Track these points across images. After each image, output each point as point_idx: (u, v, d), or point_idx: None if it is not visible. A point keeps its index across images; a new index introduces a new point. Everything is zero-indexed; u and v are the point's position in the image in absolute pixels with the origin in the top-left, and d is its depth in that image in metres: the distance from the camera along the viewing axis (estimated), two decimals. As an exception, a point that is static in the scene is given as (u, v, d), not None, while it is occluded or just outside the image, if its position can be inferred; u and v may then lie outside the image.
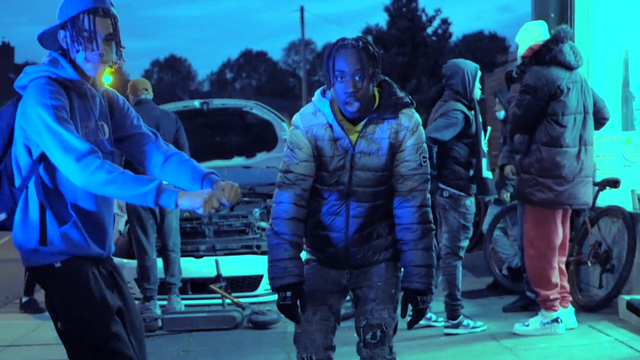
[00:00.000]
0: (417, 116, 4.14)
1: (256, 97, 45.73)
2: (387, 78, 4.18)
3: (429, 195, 4.19)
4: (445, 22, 38.70)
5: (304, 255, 4.32)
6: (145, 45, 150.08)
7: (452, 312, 7.44)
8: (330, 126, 4.08)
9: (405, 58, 35.98)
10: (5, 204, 3.71)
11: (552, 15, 8.93)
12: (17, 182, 3.66)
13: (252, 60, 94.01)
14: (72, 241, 3.65)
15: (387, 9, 37.44)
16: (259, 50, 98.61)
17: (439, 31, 38.50)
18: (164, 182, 3.49)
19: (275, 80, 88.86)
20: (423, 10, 37.78)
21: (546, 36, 7.31)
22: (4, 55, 69.30)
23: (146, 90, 9.04)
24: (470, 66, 7.46)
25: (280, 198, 4.13)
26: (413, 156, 4.09)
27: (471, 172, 7.45)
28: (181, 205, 3.44)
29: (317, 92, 4.17)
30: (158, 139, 3.94)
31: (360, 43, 4.00)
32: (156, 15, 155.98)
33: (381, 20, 59.53)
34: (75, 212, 3.65)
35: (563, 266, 7.42)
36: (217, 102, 11.12)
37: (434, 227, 4.20)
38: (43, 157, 3.58)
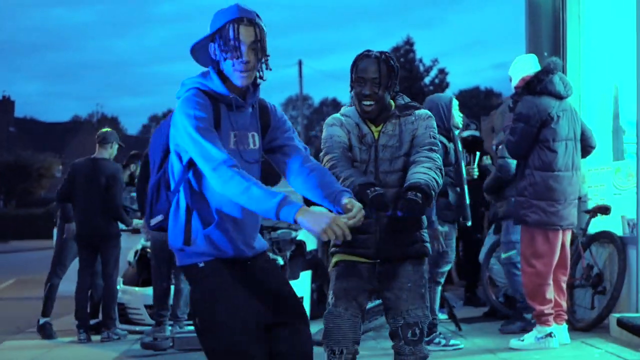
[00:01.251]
0: (426, 111, 4.85)
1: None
2: (399, 92, 4.89)
3: (439, 163, 4.72)
4: (442, 72, 39.37)
5: (333, 260, 4.83)
6: (143, 101, 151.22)
7: (428, 329, 7.75)
8: (358, 125, 4.78)
9: (403, 107, 36.50)
10: (163, 207, 3.89)
11: (545, 53, 9.40)
12: (172, 186, 3.85)
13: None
14: (214, 243, 3.79)
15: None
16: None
17: (436, 81, 39.20)
18: (292, 197, 3.61)
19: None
20: (420, 61, 38.50)
21: (537, 68, 7.82)
22: (5, 109, 69.84)
23: None
24: (443, 98, 7.91)
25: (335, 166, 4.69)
26: (423, 131, 4.72)
27: (450, 199, 7.80)
28: (300, 222, 3.53)
29: (345, 107, 4.97)
30: (307, 152, 4.05)
31: (383, 56, 4.69)
32: (153, 71, 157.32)
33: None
34: (218, 215, 3.78)
35: (564, 285, 7.79)
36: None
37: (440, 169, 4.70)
38: (191, 164, 3.75)
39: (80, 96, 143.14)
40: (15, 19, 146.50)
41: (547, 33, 9.72)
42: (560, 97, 7.55)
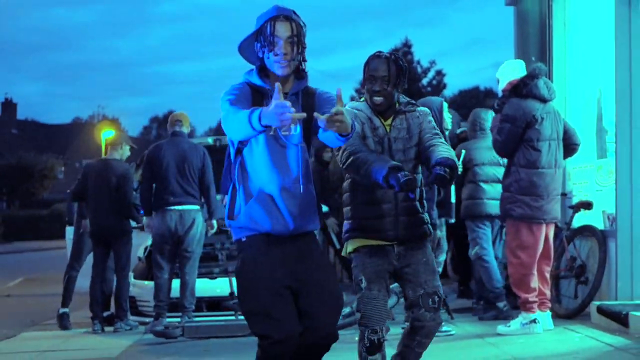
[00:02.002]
0: (426, 109, 5.39)
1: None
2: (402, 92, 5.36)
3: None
4: (439, 73, 39.67)
5: (351, 246, 5.22)
6: (144, 101, 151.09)
7: None
8: (371, 118, 5.18)
9: (401, 108, 36.84)
10: (225, 188, 4.48)
11: (533, 58, 9.93)
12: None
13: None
14: (253, 218, 4.26)
15: (383, 61, 38.45)
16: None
17: (434, 82, 39.51)
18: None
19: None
20: (418, 62, 38.79)
21: (524, 72, 8.38)
22: (7, 111, 70.25)
23: (180, 122, 9.84)
24: (435, 102, 8.31)
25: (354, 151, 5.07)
26: (427, 125, 5.25)
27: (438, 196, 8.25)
28: (265, 124, 3.86)
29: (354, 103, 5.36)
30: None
31: (392, 56, 5.15)
32: (154, 72, 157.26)
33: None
34: (258, 192, 4.26)
35: (548, 275, 8.31)
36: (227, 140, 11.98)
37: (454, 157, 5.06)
38: (241, 144, 4.30)
39: (81, 97, 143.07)
40: (15, 19, 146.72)
41: (535, 39, 10.29)
42: (544, 100, 8.08)
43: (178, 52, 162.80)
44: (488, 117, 9.60)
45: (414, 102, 5.38)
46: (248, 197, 4.28)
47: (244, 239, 4.33)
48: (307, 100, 4.44)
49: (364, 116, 5.16)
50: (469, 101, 48.56)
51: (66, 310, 10.30)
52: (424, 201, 5.30)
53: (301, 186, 4.32)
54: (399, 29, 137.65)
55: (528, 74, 8.25)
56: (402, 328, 5.35)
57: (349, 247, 5.21)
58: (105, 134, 47.49)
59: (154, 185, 9.63)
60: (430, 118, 5.31)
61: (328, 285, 4.40)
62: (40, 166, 54.66)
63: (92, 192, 10.10)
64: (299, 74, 4.42)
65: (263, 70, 4.37)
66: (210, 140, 11.87)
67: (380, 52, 5.19)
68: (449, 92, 45.02)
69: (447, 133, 8.39)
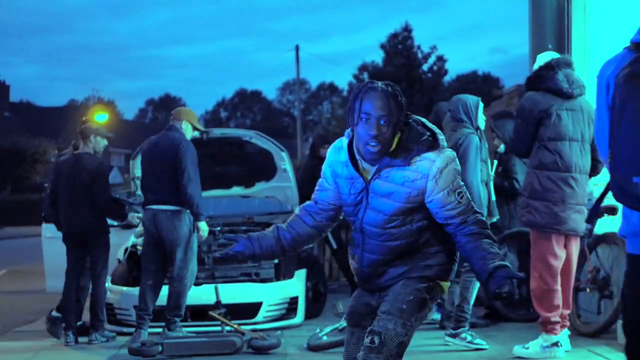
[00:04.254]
0: (442, 158, 4.13)
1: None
2: (412, 119, 4.21)
3: (482, 218, 4.22)
4: (440, 59, 39.11)
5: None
6: (140, 84, 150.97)
7: (457, 322, 7.85)
8: (348, 165, 4.25)
9: (401, 94, 36.18)
10: None
11: (550, 46, 9.10)
12: None
13: (246, 100, 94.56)
14: None
15: (382, 46, 37.84)
16: (253, 90, 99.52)
17: (435, 68, 38.90)
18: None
19: (269, 120, 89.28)
20: (419, 48, 38.22)
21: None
22: (0, 93, 69.45)
23: (172, 116, 9.26)
24: (471, 97, 7.88)
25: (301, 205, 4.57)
26: (449, 199, 4.12)
27: (482, 195, 7.78)
28: None
29: (347, 130, 4.32)
30: None
31: (390, 89, 4.12)
32: (151, 55, 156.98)
33: (377, 57, 60.11)
34: None
35: (568, 293, 7.49)
36: (216, 132, 11.24)
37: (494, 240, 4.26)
38: None
39: (77, 80, 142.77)
40: (10, 0, 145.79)
41: (551, 25, 9.38)
42: (564, 95, 7.24)
43: (175, 35, 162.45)
44: None
45: (429, 142, 4.19)
46: None
47: None
48: None
49: (341, 163, 4.34)
50: (467, 86, 47.88)
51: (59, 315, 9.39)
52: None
53: None
54: (395, 13, 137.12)
55: (544, 65, 7.40)
56: None
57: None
58: (99, 118, 47.60)
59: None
60: (447, 180, 4.13)
61: None
62: (32, 150, 54.03)
63: (64, 191, 9.22)
64: None
65: None
66: (196, 132, 10.97)
67: (373, 82, 4.22)
68: (447, 77, 44.49)
69: (482, 134, 7.88)
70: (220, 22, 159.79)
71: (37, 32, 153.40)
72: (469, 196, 4.19)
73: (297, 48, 48.31)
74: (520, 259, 9.27)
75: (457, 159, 4.19)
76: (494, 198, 8.02)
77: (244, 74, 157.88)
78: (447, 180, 4.10)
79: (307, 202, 4.50)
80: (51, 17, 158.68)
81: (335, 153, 4.33)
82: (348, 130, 4.28)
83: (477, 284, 7.81)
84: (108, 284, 9.47)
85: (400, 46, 37.67)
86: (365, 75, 36.40)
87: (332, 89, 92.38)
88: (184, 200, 8.66)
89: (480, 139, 7.84)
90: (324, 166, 4.41)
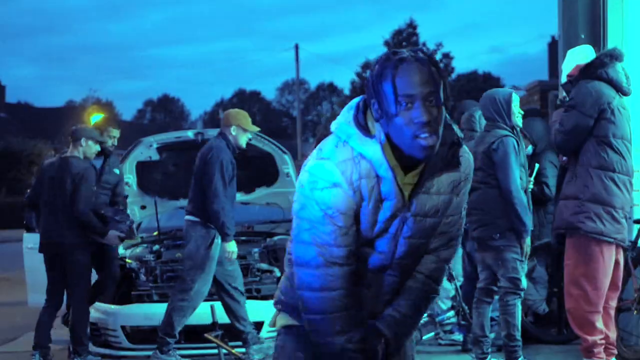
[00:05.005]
0: (471, 156, 3.21)
1: (250, 136, 45.39)
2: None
3: (454, 250, 3.30)
4: (447, 56, 38.37)
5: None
6: (138, 85, 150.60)
7: (511, 355, 6.97)
8: (380, 179, 3.01)
9: (406, 94, 35.37)
10: None
11: (582, 35, 8.30)
12: None
13: (245, 100, 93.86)
14: None
15: (386, 43, 36.98)
16: (252, 90, 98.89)
17: (441, 66, 38.13)
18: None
19: (268, 120, 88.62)
20: (424, 45, 37.44)
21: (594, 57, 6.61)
22: (-5, 94, 69.01)
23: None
24: (502, 92, 7.04)
25: (332, 283, 3.05)
26: (458, 209, 3.20)
27: None
28: None
29: (352, 127, 3.04)
30: None
31: (425, 56, 2.98)
32: (149, 55, 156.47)
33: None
34: None
35: (613, 312, 6.61)
36: (212, 133, 10.28)
37: (438, 293, 3.29)
38: None
39: (75, 80, 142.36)
40: (7, 1, 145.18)
41: (585, 15, 8.47)
42: (620, 90, 6.44)
43: (173, 35, 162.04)
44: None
45: (461, 136, 3.15)
46: None
47: None
48: None
49: (368, 178, 3.02)
50: (468, 84, 47.16)
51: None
52: None
53: None
54: (394, 12, 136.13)
55: (605, 52, 6.57)
56: None
57: None
58: (95, 118, 47.19)
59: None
60: (469, 186, 3.21)
61: None
62: (28, 151, 53.41)
63: (45, 198, 8.35)
64: None
65: None
66: (190, 134, 10.10)
67: (398, 51, 3.03)
68: (453, 75, 43.60)
69: (519, 133, 7.03)
70: (219, 22, 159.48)
71: (35, 33, 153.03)
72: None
73: (296, 47, 47.75)
74: (549, 272, 8.40)
75: None
76: (531, 207, 7.17)
77: (242, 74, 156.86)
78: (468, 187, 3.22)
79: (336, 287, 3.05)
80: (49, 18, 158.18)
81: (353, 167, 3.00)
82: (353, 130, 3.03)
83: (520, 305, 7.02)
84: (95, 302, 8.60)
85: (404, 43, 36.79)
86: (368, 74, 35.51)
87: (331, 88, 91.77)
88: (209, 216, 7.93)
89: (517, 140, 6.93)
90: (333, 198, 3.00)
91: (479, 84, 56.48)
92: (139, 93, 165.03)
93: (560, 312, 8.18)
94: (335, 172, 2.97)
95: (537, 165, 7.65)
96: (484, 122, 7.87)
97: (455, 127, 3.12)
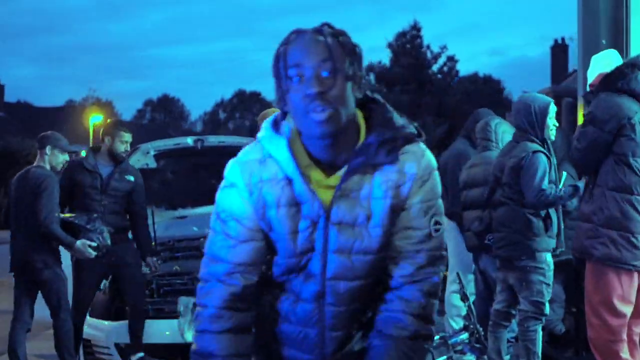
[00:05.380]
0: (429, 155, 2.67)
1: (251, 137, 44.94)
2: (378, 97, 2.73)
3: (438, 283, 2.73)
4: (451, 59, 37.91)
5: None
6: (138, 85, 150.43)
7: None
8: (290, 181, 2.63)
9: (410, 96, 34.93)
10: None
11: (604, 41, 7.83)
12: None
13: (245, 100, 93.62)
14: None
15: (390, 45, 36.51)
16: (252, 91, 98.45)
17: (445, 69, 37.70)
18: None
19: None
20: (428, 47, 36.96)
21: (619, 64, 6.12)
22: (-5, 93, 68.72)
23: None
24: (538, 100, 6.51)
25: (205, 299, 2.72)
26: (420, 221, 2.65)
27: (551, 224, 6.58)
28: None
29: (267, 125, 2.72)
30: None
31: (326, 28, 2.59)
32: (149, 55, 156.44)
33: (384, 57, 58.83)
34: None
35: (637, 338, 6.14)
36: (212, 140, 9.83)
37: (432, 332, 2.74)
38: None
39: (75, 80, 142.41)
40: (7, 1, 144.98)
41: (606, 17, 8.02)
42: None
43: (173, 35, 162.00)
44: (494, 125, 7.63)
45: (411, 131, 2.65)
46: None
47: None
48: None
49: (274, 181, 2.67)
50: (469, 87, 46.79)
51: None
52: None
53: None
54: (394, 12, 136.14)
55: (627, 62, 6.01)
56: None
57: None
58: (94, 119, 46.76)
59: None
60: (431, 190, 2.67)
61: None
62: (26, 151, 53.04)
63: (12, 213, 7.80)
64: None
65: None
66: (189, 140, 9.65)
67: (300, 28, 2.67)
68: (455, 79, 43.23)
69: (551, 148, 6.55)
70: (219, 22, 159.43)
71: (35, 32, 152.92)
72: (443, 238, 2.70)
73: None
74: (567, 291, 7.98)
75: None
76: (562, 226, 6.76)
77: (242, 74, 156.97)
78: (431, 191, 2.66)
79: (209, 304, 2.73)
80: (48, 17, 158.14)
81: (258, 168, 2.68)
82: (268, 126, 2.70)
83: (541, 332, 6.62)
84: (87, 317, 8.06)
85: (408, 45, 36.32)
86: (372, 77, 35.11)
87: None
88: None
89: (548, 156, 6.48)
90: (227, 201, 2.71)
91: (479, 86, 56.34)
92: (139, 93, 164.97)
93: (578, 333, 7.78)
94: (234, 171, 2.71)
95: (564, 174, 7.19)
96: (500, 131, 7.49)
97: (404, 121, 2.65)
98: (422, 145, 2.67)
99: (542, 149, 6.45)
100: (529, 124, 6.46)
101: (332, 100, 2.51)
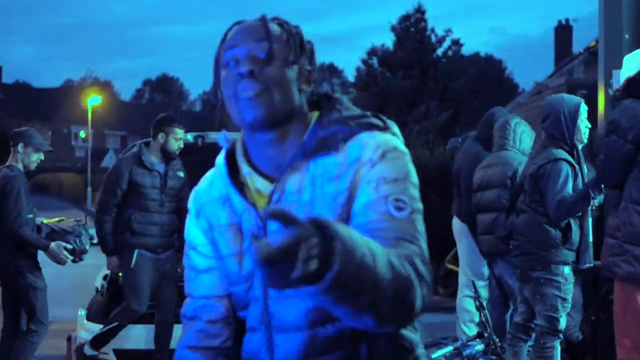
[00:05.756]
0: (383, 140, 2.24)
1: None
2: (338, 95, 2.44)
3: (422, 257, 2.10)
4: (456, 43, 37.57)
5: None
6: (137, 64, 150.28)
7: None
8: (228, 196, 2.33)
9: (414, 81, 34.59)
10: None
11: (627, 36, 7.47)
12: None
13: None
14: None
15: (393, 29, 36.11)
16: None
17: (450, 53, 37.34)
18: None
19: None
20: (432, 31, 36.55)
21: None
22: (-9, 74, 68.85)
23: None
24: (567, 103, 6.16)
25: (179, 340, 2.47)
26: (372, 203, 2.16)
27: (571, 235, 6.21)
28: None
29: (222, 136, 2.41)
30: None
31: (267, 16, 2.35)
32: (148, 34, 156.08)
33: (387, 40, 58.37)
34: None
35: None
36: (213, 136, 9.49)
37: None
38: None
39: (74, 59, 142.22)
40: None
41: (629, 9, 7.64)
42: None
43: (172, 14, 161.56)
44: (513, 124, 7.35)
45: (370, 121, 2.30)
46: None
47: None
48: None
49: (215, 201, 2.37)
50: (470, 68, 46.44)
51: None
52: None
53: None
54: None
55: None
56: None
57: None
58: (92, 100, 46.37)
59: None
60: (385, 169, 2.18)
61: None
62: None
63: None
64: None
65: None
66: (190, 137, 9.30)
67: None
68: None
69: (580, 147, 6.19)
70: (219, 1, 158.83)
71: (33, 12, 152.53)
72: (417, 215, 2.18)
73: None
74: (585, 296, 7.68)
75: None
76: (590, 239, 6.35)
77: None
78: (387, 172, 2.19)
79: (179, 345, 2.47)
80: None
81: (206, 191, 2.41)
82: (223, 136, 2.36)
83: (559, 348, 6.34)
84: (84, 321, 7.90)
85: (412, 29, 35.90)
86: (375, 60, 34.64)
87: (331, 69, 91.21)
88: None
89: (574, 165, 6.14)
90: (186, 230, 2.47)
91: (482, 65, 56.04)
92: (138, 72, 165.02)
93: (595, 341, 7.47)
94: (191, 197, 2.47)
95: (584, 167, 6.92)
96: (519, 130, 7.21)
97: (360, 113, 2.33)
98: (378, 133, 2.27)
99: (566, 157, 6.10)
100: (558, 130, 6.12)
101: (265, 78, 2.23)
